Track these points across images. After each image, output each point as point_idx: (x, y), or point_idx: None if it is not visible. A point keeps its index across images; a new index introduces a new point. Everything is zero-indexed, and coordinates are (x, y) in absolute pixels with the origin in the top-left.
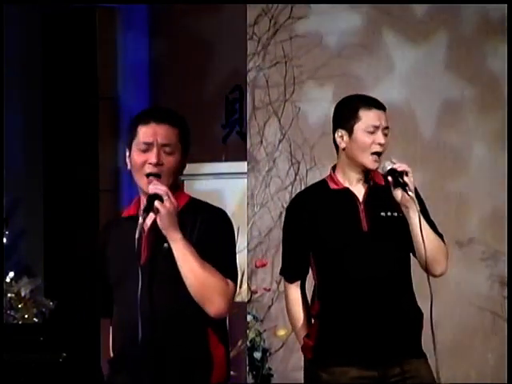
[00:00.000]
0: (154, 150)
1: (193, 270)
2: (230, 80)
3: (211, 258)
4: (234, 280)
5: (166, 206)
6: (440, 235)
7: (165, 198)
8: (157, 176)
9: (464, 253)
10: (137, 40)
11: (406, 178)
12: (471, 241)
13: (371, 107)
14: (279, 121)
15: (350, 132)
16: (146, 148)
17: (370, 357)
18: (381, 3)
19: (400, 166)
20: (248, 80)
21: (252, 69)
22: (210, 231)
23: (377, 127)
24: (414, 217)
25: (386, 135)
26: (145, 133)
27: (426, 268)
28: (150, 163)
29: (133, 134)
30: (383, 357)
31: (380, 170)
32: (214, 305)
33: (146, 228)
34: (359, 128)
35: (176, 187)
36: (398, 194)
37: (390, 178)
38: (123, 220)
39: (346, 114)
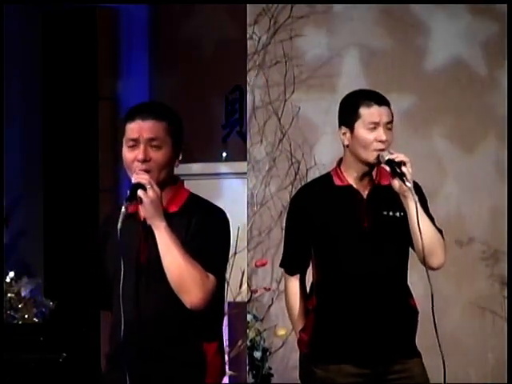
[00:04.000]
0: (141, 147)
1: (174, 259)
2: (230, 80)
3: (196, 252)
4: (216, 274)
5: (149, 195)
6: (439, 230)
7: (148, 186)
8: (146, 172)
9: (464, 253)
10: (137, 40)
11: (403, 168)
12: (471, 241)
13: (372, 104)
14: (279, 120)
15: (352, 129)
16: (133, 144)
17: (363, 354)
18: (381, 3)
19: (398, 157)
20: (248, 80)
21: (252, 69)
22: (202, 230)
23: (377, 123)
24: (412, 206)
25: (389, 129)
26: (131, 129)
27: (424, 260)
28: (138, 160)
29: (123, 132)
30: (377, 355)
31: (381, 161)
32: (190, 296)
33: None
34: (360, 125)
35: (172, 182)
36: (396, 183)
37: (387, 168)
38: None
39: (347, 112)
